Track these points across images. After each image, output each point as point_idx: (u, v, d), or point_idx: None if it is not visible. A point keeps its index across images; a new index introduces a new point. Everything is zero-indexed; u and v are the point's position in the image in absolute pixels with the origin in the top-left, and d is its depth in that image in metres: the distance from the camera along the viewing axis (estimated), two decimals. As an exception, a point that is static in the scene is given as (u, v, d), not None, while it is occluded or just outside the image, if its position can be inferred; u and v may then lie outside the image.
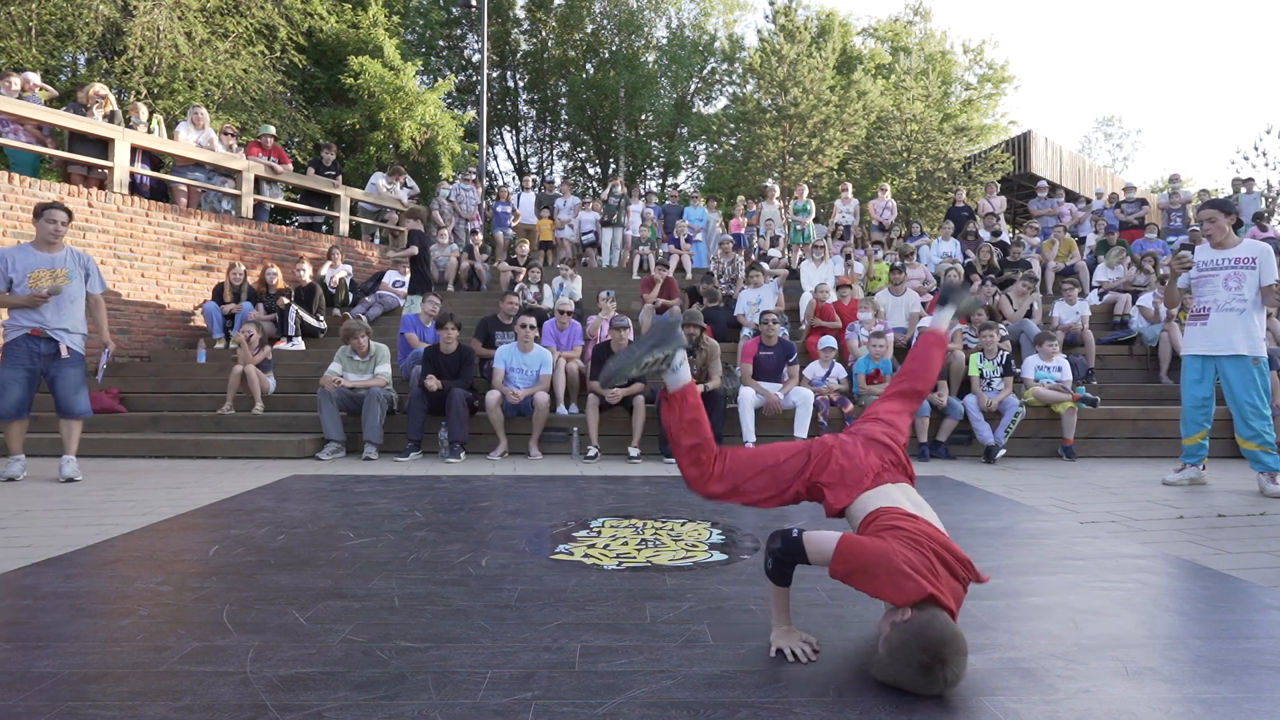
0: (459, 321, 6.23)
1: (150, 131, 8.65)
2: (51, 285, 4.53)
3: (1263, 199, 11.30)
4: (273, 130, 10.01)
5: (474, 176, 12.08)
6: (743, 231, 11.59)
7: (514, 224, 12.14)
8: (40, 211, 4.56)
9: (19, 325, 4.53)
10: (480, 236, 11.19)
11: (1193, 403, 4.50)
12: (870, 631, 1.97)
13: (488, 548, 2.92)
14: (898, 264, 8.41)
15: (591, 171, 24.40)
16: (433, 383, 5.85)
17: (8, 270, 4.50)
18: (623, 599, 2.27)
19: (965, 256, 9.79)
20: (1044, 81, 60.86)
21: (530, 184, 13.17)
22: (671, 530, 3.28)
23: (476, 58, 20.45)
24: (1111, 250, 9.53)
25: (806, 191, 11.86)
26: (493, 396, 5.90)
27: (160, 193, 8.70)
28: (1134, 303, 8.23)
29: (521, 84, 23.46)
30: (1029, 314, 7.79)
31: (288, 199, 10.51)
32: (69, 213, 4.68)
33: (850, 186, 12.77)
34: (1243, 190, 10.91)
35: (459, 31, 21.50)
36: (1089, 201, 12.08)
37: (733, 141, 20.72)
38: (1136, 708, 1.54)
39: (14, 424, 4.62)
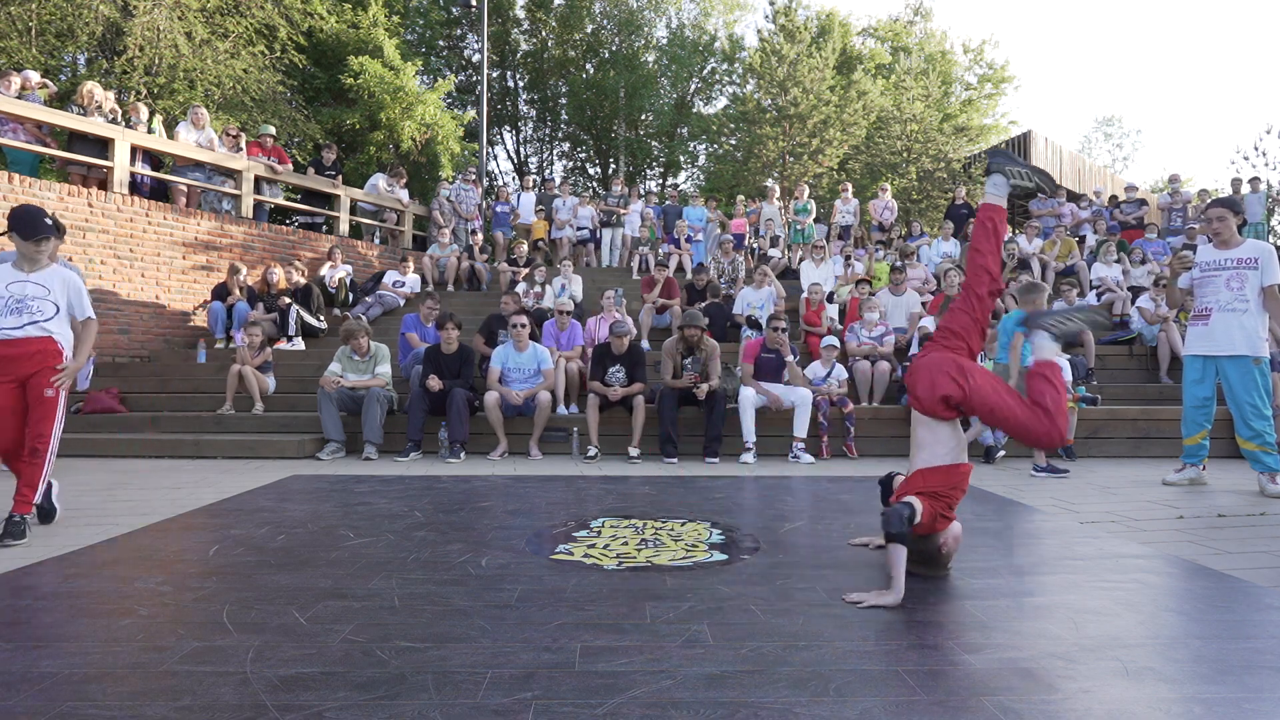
0: (459, 321, 6.23)
1: (150, 131, 8.65)
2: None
3: (1267, 198, 11.28)
4: (273, 130, 10.01)
5: (474, 176, 12.08)
6: (744, 231, 11.58)
7: (514, 224, 12.13)
8: None
9: None
10: (480, 236, 11.19)
11: (1193, 403, 4.49)
12: (871, 631, 1.99)
13: (488, 548, 2.92)
14: (898, 264, 8.41)
15: (591, 171, 24.37)
16: (435, 383, 5.85)
17: None
18: (623, 599, 2.27)
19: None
20: (1044, 81, 60.76)
21: (530, 184, 13.17)
22: (671, 530, 3.28)
23: (476, 58, 20.42)
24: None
25: (806, 191, 11.84)
26: (491, 397, 5.90)
27: (160, 193, 8.69)
28: (1134, 302, 8.23)
29: (521, 84, 23.42)
30: None
31: (288, 199, 10.51)
32: None
33: (850, 186, 12.74)
34: (1246, 189, 10.89)
35: (459, 31, 21.47)
36: (1091, 201, 12.06)
37: (733, 141, 20.67)
38: (1136, 708, 1.54)
39: None
